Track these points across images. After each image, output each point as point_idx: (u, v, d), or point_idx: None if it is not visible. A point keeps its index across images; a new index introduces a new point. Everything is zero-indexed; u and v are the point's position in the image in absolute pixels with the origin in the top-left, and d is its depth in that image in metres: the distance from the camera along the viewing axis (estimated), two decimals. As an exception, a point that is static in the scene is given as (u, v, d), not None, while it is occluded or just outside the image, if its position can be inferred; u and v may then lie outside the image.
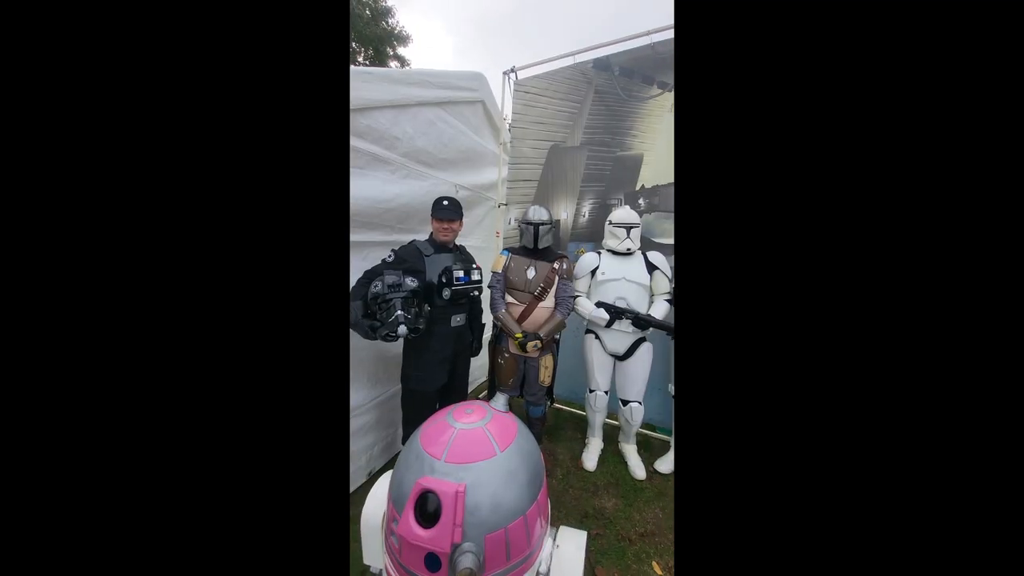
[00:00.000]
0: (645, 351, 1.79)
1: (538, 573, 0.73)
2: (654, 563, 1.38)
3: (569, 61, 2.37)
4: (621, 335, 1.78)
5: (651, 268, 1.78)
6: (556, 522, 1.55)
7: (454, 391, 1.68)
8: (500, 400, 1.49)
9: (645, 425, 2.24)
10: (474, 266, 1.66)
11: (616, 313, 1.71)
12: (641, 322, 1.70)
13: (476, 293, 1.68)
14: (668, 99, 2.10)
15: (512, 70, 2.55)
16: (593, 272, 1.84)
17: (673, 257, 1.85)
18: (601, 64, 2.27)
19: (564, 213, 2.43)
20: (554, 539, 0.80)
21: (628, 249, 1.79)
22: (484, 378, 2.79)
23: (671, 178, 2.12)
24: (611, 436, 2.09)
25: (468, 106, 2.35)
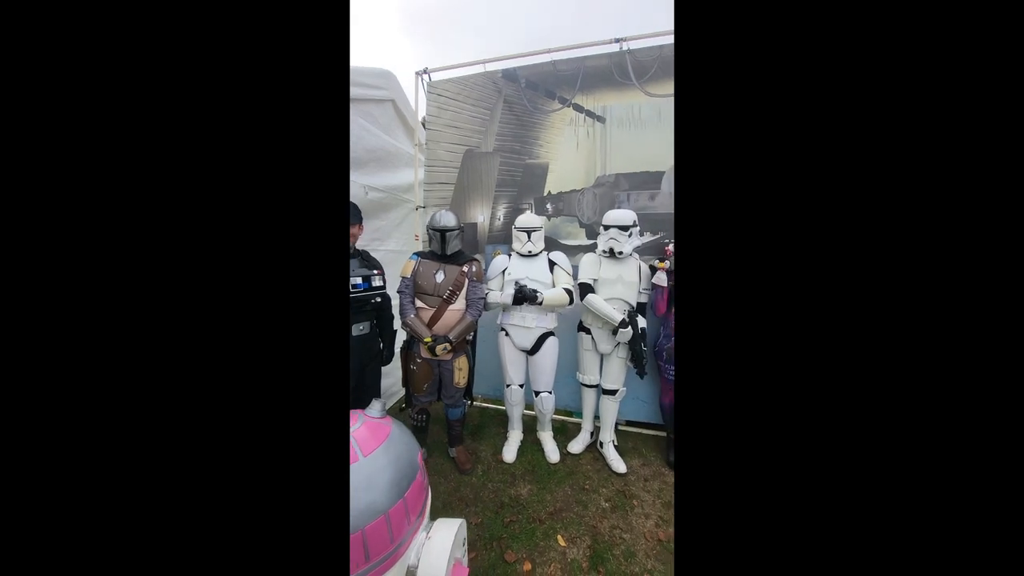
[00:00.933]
0: (551, 345, 1.94)
1: (408, 567, 0.77)
2: (559, 536, 1.51)
3: (480, 68, 2.45)
4: (526, 331, 1.91)
5: (552, 266, 1.93)
6: (473, 516, 1.63)
7: (365, 404, 1.66)
8: (375, 406, 1.55)
9: (561, 411, 2.41)
10: (375, 272, 1.65)
11: (521, 294, 1.82)
12: (526, 298, 1.82)
13: (378, 300, 1.67)
14: (568, 113, 2.28)
15: (425, 71, 2.56)
16: (504, 273, 1.94)
17: (582, 256, 2.01)
18: (509, 75, 2.38)
19: (480, 216, 2.51)
20: (427, 532, 0.85)
21: (530, 251, 1.92)
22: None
23: (574, 185, 2.31)
24: (531, 427, 2.23)
25: (376, 104, 2.30)
